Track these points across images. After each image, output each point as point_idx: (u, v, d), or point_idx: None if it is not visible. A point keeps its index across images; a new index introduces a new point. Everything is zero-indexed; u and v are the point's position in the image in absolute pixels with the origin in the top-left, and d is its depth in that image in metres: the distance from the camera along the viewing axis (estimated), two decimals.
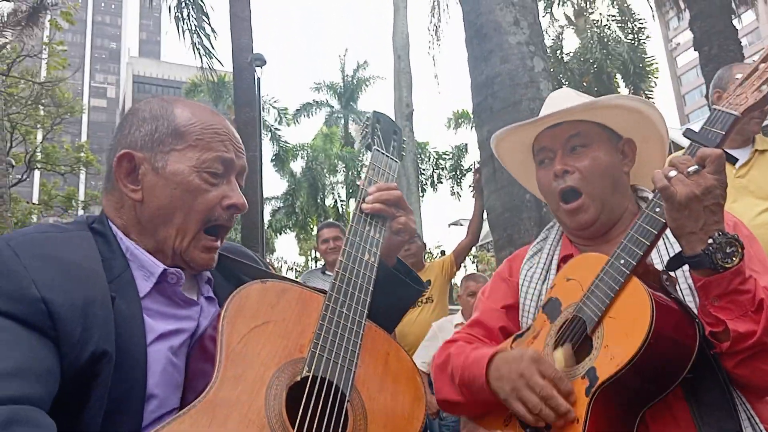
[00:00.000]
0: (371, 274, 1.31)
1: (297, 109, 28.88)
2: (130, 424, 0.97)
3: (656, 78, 20.38)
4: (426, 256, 5.00)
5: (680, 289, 1.39)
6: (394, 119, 1.63)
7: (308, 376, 1.13)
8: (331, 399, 1.12)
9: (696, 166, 1.24)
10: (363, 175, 1.49)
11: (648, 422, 1.28)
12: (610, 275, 1.33)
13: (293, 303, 1.22)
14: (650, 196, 1.64)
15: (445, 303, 4.93)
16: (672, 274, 1.38)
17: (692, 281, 1.28)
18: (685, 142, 1.39)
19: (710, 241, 1.21)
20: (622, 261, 1.32)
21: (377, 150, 1.53)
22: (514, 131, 1.71)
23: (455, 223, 27.87)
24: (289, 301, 1.22)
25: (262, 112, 15.04)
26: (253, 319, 1.15)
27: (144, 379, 1.05)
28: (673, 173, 1.25)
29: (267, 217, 25.52)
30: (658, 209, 1.31)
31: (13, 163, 18.51)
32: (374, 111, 1.62)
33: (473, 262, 27.37)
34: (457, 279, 7.77)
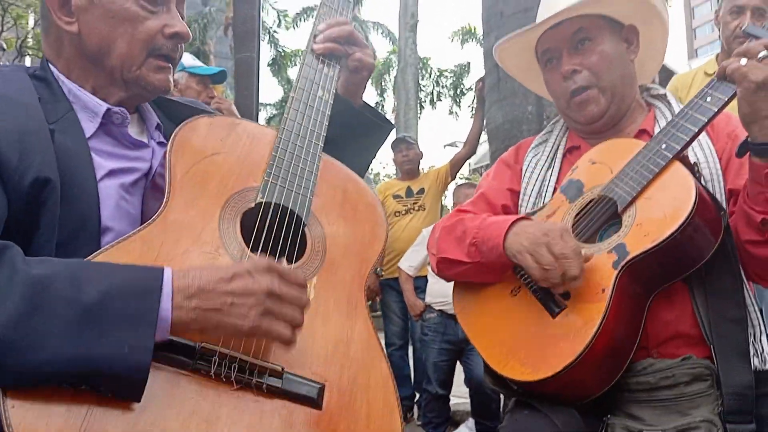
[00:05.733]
0: (325, 109, 1.30)
1: (297, 13, 27.95)
2: (86, 254, 0.96)
3: (669, 6, 19.81)
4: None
5: None
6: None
7: (262, 203, 1.12)
8: (286, 223, 1.12)
9: (766, 51, 1.25)
10: (315, 15, 1.43)
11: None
12: (648, 158, 1.37)
13: (244, 137, 1.21)
14: (663, 92, 1.63)
15: (437, 212, 4.95)
16: (698, 169, 1.42)
17: (752, 170, 1.29)
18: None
19: None
20: (663, 145, 1.36)
21: None
22: (516, 39, 1.67)
23: (451, 144, 27.69)
24: (239, 135, 1.21)
25: (261, 12, 14.56)
26: (202, 151, 1.14)
27: (97, 212, 1.06)
28: (743, 61, 1.26)
29: (261, 123, 25.17)
30: (709, 99, 1.34)
31: (5, 47, 17.99)
32: None
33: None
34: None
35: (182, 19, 1.22)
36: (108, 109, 1.15)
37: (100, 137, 1.15)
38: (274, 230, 1.10)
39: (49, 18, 1.16)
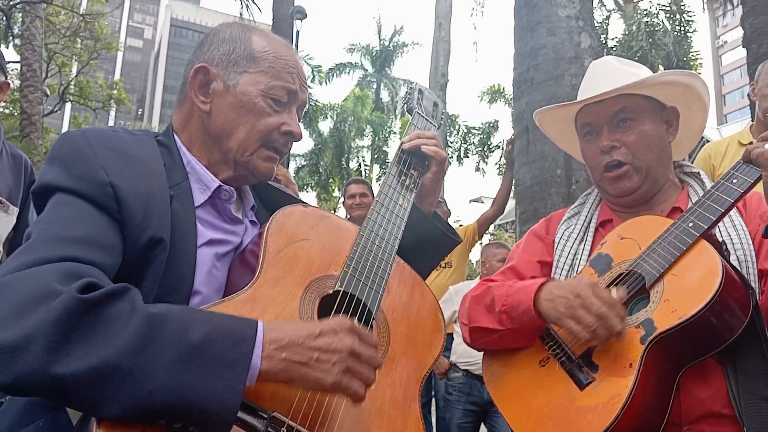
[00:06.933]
0: (403, 216, 1.40)
1: (330, 69, 28.71)
2: None
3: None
4: None
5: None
6: (428, 88, 1.68)
7: (339, 291, 1.20)
8: (358, 315, 1.19)
9: None
10: (405, 133, 1.56)
11: (679, 381, 1.35)
12: (676, 236, 1.40)
13: (331, 228, 1.31)
14: (697, 170, 1.67)
15: (463, 270, 4.96)
16: (726, 247, 1.44)
17: None
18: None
19: None
20: (690, 224, 1.39)
21: (418, 113, 1.61)
22: (557, 108, 1.74)
23: (476, 200, 27.76)
24: (327, 226, 1.31)
25: None
26: (294, 236, 1.24)
27: (192, 275, 1.15)
28: None
29: (291, 174, 25.47)
30: (735, 180, 1.39)
31: (48, 92, 18.73)
32: (417, 83, 1.69)
33: (489, 241, 27.19)
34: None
35: (299, 120, 1.36)
36: (219, 186, 1.27)
37: (206, 208, 1.26)
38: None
39: (187, 94, 1.31)
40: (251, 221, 1.37)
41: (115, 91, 26.02)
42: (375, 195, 1.41)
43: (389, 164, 1.49)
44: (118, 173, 1.09)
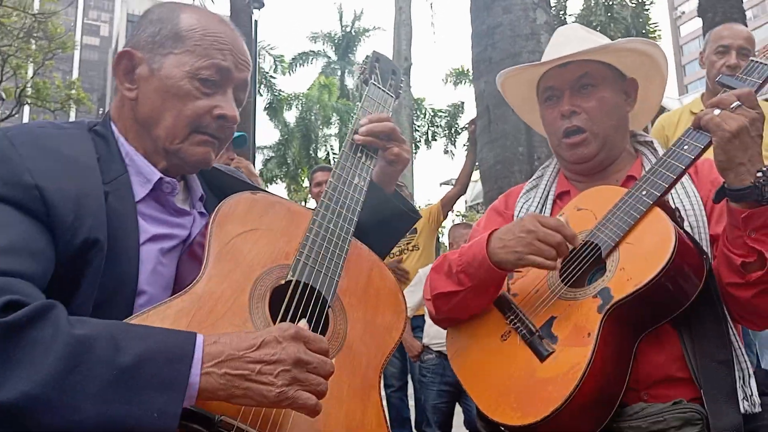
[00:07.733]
0: (359, 196, 1.34)
1: (293, 58, 28.40)
2: (120, 315, 1.00)
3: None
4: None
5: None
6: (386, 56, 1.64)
7: (292, 281, 1.15)
8: (312, 303, 1.15)
9: (738, 102, 1.32)
10: (359, 107, 1.50)
11: (637, 347, 1.37)
12: (630, 204, 1.42)
13: (282, 215, 1.27)
14: (650, 140, 1.69)
15: (431, 251, 4.96)
16: (679, 214, 1.46)
17: (729, 215, 1.35)
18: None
19: (759, 174, 1.28)
20: (644, 192, 1.41)
21: (374, 84, 1.54)
22: (522, 71, 1.74)
23: (447, 183, 27.83)
24: (277, 213, 1.26)
25: (258, 58, 14.82)
26: (242, 225, 1.19)
27: (136, 274, 1.09)
28: (717, 111, 1.32)
29: (258, 167, 25.32)
30: (686, 147, 1.40)
31: (4, 96, 18.25)
32: (374, 51, 1.63)
33: (457, 222, 27.39)
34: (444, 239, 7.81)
35: (241, 102, 1.28)
36: (160, 178, 1.20)
37: (148, 202, 1.19)
38: (300, 309, 1.13)
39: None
40: (200, 212, 1.30)
41: (73, 91, 25.47)
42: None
43: (344, 142, 1.43)
44: (44, 174, 1.02)
